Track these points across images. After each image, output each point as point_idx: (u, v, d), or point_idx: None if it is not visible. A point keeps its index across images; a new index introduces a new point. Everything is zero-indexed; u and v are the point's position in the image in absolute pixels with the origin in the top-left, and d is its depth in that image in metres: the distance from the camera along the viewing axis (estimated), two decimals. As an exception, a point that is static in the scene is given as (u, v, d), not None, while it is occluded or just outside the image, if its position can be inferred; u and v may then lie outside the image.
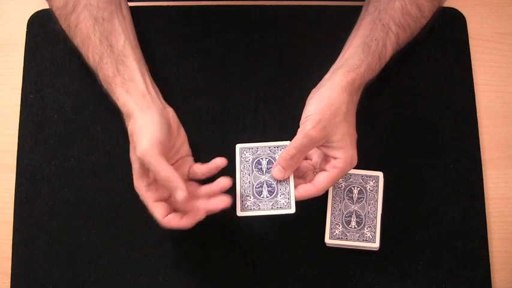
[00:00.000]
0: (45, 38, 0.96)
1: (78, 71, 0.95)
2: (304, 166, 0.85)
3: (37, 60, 0.95)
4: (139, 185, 0.80)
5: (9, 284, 0.87)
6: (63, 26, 0.89)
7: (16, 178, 0.91)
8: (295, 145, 0.80)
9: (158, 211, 0.79)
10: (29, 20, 0.97)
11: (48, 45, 0.96)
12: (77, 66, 0.95)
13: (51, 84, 0.94)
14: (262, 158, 0.83)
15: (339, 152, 0.80)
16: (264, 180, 0.82)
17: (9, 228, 0.89)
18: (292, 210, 0.80)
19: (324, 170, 0.82)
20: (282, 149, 0.83)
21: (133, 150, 0.81)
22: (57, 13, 0.89)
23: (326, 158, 0.82)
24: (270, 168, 0.82)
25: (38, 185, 0.90)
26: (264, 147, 0.83)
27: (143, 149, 0.78)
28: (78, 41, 0.87)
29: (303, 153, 0.81)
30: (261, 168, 0.82)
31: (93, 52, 0.85)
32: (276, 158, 0.83)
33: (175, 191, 0.78)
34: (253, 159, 0.83)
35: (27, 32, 0.96)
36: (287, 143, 0.82)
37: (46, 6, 0.96)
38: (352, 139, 0.81)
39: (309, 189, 0.81)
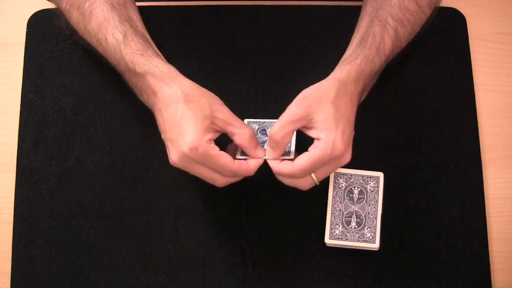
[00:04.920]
0: (45, 38, 0.96)
1: (78, 71, 0.95)
2: None
3: (37, 60, 0.95)
4: (202, 141, 0.79)
5: (9, 284, 0.87)
6: (74, 17, 0.89)
7: (16, 178, 0.91)
8: (279, 121, 0.80)
9: (227, 157, 0.80)
10: (29, 20, 0.97)
11: (48, 45, 0.96)
12: (77, 66, 0.95)
13: (51, 84, 0.94)
14: (267, 127, 0.88)
15: (322, 132, 0.79)
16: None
17: (9, 228, 0.89)
18: (291, 156, 0.82)
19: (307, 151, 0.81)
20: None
21: (199, 107, 0.81)
22: (67, 5, 0.89)
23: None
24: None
25: (38, 185, 0.90)
26: (270, 122, 0.88)
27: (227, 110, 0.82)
28: (93, 26, 0.87)
29: (287, 129, 0.80)
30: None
31: (114, 32, 0.85)
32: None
33: (259, 148, 0.82)
34: (258, 129, 0.87)
35: (27, 32, 0.96)
36: None
37: (46, 6, 0.96)
38: (337, 122, 0.79)
39: (287, 167, 0.81)
